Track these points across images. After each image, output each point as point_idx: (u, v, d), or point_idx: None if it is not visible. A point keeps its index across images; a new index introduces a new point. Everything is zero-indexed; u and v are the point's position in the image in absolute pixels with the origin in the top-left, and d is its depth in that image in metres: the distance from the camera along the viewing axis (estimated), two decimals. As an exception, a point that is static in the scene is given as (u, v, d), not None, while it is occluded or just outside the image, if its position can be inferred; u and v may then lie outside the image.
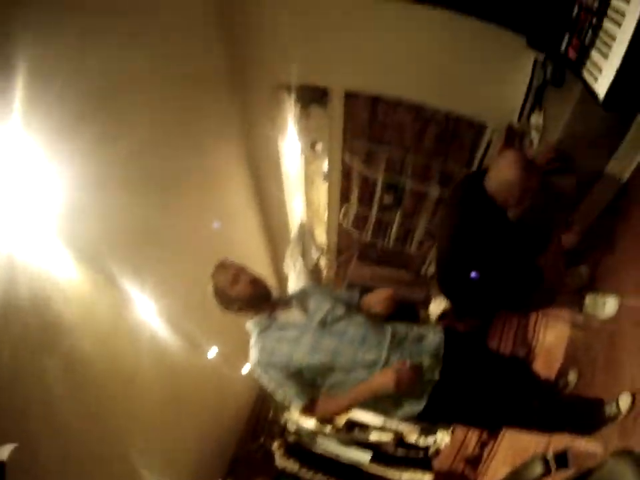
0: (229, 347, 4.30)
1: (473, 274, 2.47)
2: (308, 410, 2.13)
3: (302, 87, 4.27)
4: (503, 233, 2.47)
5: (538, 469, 2.20)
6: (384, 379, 1.96)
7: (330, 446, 5.19)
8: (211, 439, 5.10)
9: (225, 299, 2.15)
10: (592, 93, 2.07)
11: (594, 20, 2.01)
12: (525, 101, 3.18)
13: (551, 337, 3.05)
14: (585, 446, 2.27)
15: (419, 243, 5.22)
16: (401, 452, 4.88)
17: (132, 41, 2.65)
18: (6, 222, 2.19)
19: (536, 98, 3.01)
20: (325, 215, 5.52)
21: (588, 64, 2.11)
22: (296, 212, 5.42)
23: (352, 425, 5.53)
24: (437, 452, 4.72)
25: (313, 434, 5.49)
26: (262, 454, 5.42)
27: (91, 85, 2.34)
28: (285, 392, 2.07)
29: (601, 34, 1.97)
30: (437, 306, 4.40)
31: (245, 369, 4.81)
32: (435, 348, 2.13)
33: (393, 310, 2.16)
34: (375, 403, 2.10)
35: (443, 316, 4.27)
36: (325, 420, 5.27)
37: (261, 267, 5.41)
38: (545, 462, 2.27)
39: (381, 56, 3.74)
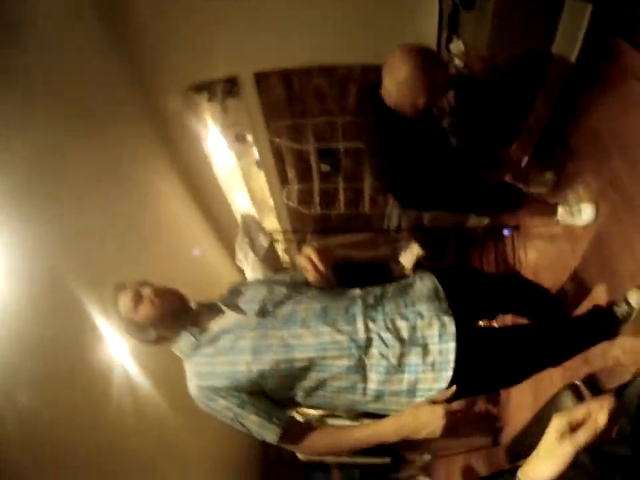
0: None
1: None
2: (288, 441, 1.54)
3: (211, 83, 4.10)
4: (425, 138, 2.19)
5: (569, 401, 1.89)
6: (427, 424, 1.36)
7: (344, 423, 5.16)
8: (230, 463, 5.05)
9: (136, 330, 1.68)
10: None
11: None
12: (440, 31, 3.12)
13: (533, 256, 3.04)
14: (605, 357, 2.24)
15: (371, 201, 5.17)
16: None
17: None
18: None
19: (450, 26, 2.95)
20: (270, 202, 5.39)
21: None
22: (242, 207, 5.27)
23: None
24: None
25: (322, 418, 5.44)
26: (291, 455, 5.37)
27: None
28: (246, 425, 1.51)
29: None
30: (409, 256, 4.36)
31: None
32: (429, 290, 1.68)
33: (325, 270, 1.57)
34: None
35: (418, 264, 4.24)
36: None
37: (225, 272, 5.26)
38: (575, 390, 1.95)
39: (277, 27, 3.61)
